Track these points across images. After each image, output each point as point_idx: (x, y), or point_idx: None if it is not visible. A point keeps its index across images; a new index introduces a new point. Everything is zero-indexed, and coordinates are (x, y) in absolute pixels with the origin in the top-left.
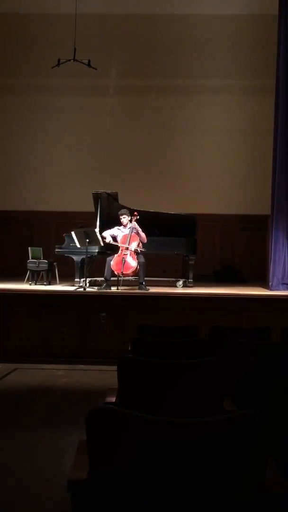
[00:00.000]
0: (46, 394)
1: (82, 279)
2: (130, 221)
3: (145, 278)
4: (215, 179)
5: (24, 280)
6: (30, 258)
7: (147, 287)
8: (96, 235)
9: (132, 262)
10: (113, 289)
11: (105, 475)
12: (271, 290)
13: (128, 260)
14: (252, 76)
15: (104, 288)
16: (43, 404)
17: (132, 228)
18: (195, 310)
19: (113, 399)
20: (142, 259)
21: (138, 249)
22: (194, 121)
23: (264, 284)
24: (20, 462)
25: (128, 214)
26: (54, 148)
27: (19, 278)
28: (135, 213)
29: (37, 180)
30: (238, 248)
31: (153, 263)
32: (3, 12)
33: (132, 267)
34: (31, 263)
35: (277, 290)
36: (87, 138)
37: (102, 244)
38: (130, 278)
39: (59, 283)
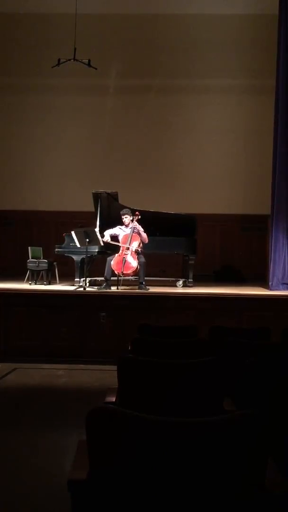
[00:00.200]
0: (46, 394)
1: (82, 279)
2: (132, 221)
3: (145, 278)
4: (215, 179)
5: (24, 279)
6: (30, 257)
7: (147, 287)
8: (96, 235)
9: (133, 262)
10: (113, 289)
11: (105, 475)
12: (271, 290)
13: (128, 260)
14: (252, 76)
15: (104, 288)
16: (43, 404)
17: (134, 228)
18: (195, 310)
19: (113, 399)
20: (142, 259)
21: (139, 249)
22: (194, 121)
23: (264, 284)
24: (20, 462)
25: (130, 214)
26: (54, 148)
27: (19, 277)
28: (137, 212)
29: (37, 180)
30: (238, 248)
31: (153, 263)
32: (3, 11)
33: (132, 267)
34: (31, 262)
35: (277, 290)
36: (87, 138)
37: (102, 244)
38: (130, 278)
39: (59, 283)
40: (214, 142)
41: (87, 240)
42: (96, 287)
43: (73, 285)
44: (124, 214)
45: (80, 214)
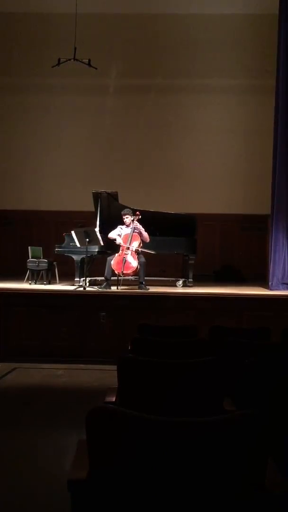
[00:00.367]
0: (45, 393)
1: (82, 279)
2: (133, 221)
3: (145, 278)
4: (215, 179)
5: (24, 279)
6: (30, 257)
7: (147, 287)
8: (96, 235)
9: (133, 262)
10: (113, 288)
11: (105, 474)
12: (271, 290)
13: (129, 260)
14: (252, 76)
15: (104, 287)
16: (42, 403)
17: (134, 228)
18: (195, 310)
19: (113, 399)
20: (142, 259)
21: (139, 249)
22: (194, 121)
23: (264, 284)
24: (20, 462)
25: (131, 214)
26: (54, 148)
27: (19, 277)
28: (137, 212)
29: (37, 179)
30: (238, 248)
31: (153, 262)
32: (3, 11)
33: (132, 267)
34: (31, 262)
35: (277, 290)
36: (87, 138)
37: (102, 243)
38: (130, 277)
39: (59, 283)
40: (214, 142)
41: (87, 240)
42: (96, 287)
43: (73, 285)
44: (125, 214)
45: (80, 214)
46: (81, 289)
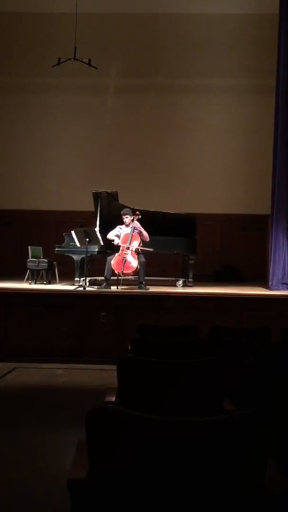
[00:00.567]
0: (45, 393)
1: (82, 279)
2: (132, 220)
3: (145, 278)
4: (215, 179)
5: (24, 279)
6: (30, 257)
7: (147, 287)
8: (96, 235)
9: (133, 262)
10: (113, 288)
11: (105, 474)
12: (271, 290)
13: (129, 260)
14: (252, 76)
15: (104, 287)
16: (42, 403)
17: (134, 228)
18: (195, 310)
19: (113, 399)
20: (142, 259)
21: (140, 248)
22: (194, 120)
23: (264, 284)
24: (20, 462)
25: (131, 214)
26: (54, 148)
27: (19, 277)
28: (137, 212)
29: (37, 179)
30: (238, 248)
31: (153, 262)
32: (3, 11)
33: (132, 266)
34: (31, 262)
35: (277, 290)
36: (87, 137)
37: (102, 243)
38: (130, 277)
39: (59, 283)
40: (214, 142)
41: (87, 239)
42: (96, 287)
43: (73, 285)
44: (125, 214)
45: (80, 214)
46: (81, 289)
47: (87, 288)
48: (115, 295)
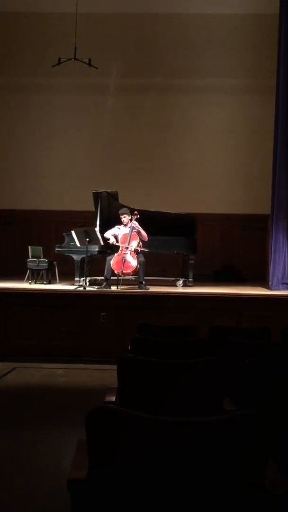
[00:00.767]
0: (45, 393)
1: (82, 278)
2: (131, 220)
3: (145, 278)
4: (215, 178)
5: (24, 279)
6: (30, 257)
7: (147, 287)
8: (96, 234)
9: (132, 262)
10: (113, 288)
11: (105, 474)
12: (271, 290)
13: (128, 259)
14: (252, 76)
15: (104, 287)
16: (42, 403)
17: (132, 227)
18: (195, 309)
19: (113, 399)
20: (142, 259)
21: (139, 248)
22: (194, 120)
23: (264, 284)
24: (20, 462)
25: (129, 213)
26: (54, 148)
27: (19, 277)
28: (135, 211)
29: (37, 179)
30: (238, 248)
31: (153, 262)
32: (3, 11)
33: (132, 266)
34: (31, 262)
35: (277, 290)
36: (87, 137)
37: (102, 243)
38: (130, 277)
39: (59, 282)
40: (214, 142)
41: (87, 239)
42: (96, 287)
43: (73, 285)
44: (122, 214)
45: (80, 214)
46: (81, 289)
47: (87, 288)
48: (115, 295)
